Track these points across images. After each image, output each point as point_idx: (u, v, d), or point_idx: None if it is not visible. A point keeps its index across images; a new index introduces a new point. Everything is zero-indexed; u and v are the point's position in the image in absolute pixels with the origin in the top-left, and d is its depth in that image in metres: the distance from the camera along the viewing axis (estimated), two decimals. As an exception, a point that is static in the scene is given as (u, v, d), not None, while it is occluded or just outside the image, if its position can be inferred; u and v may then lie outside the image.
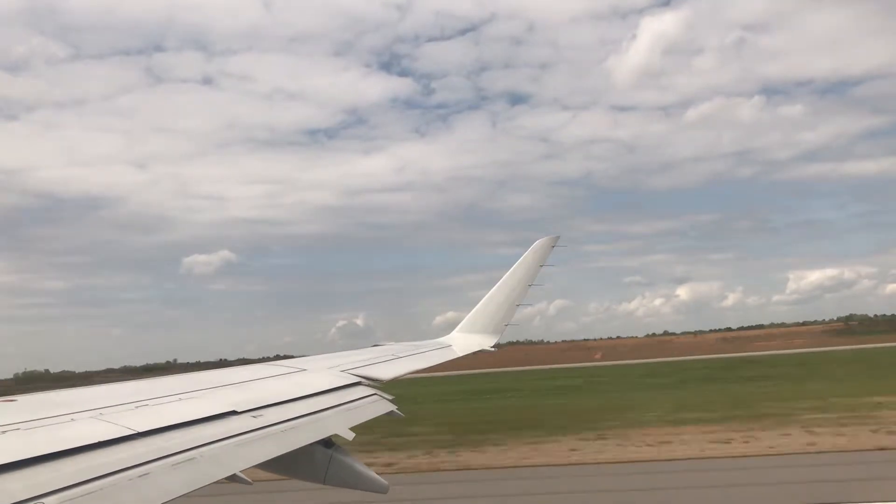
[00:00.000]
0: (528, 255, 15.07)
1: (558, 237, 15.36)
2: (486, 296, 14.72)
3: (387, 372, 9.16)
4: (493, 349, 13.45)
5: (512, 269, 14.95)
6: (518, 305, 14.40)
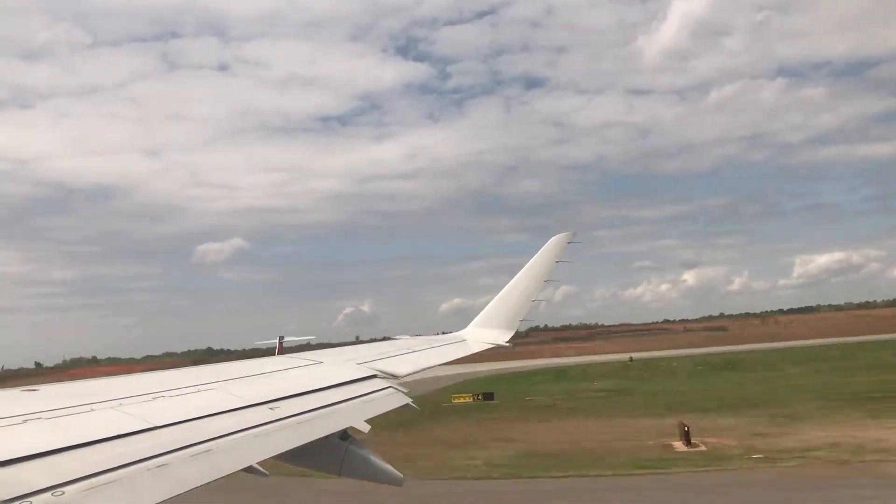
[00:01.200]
0: (543, 251, 15.05)
1: (574, 234, 15.32)
2: (502, 291, 14.71)
3: (402, 366, 9.17)
4: (508, 344, 13.43)
5: (528, 264, 14.93)
6: (534, 301, 14.37)
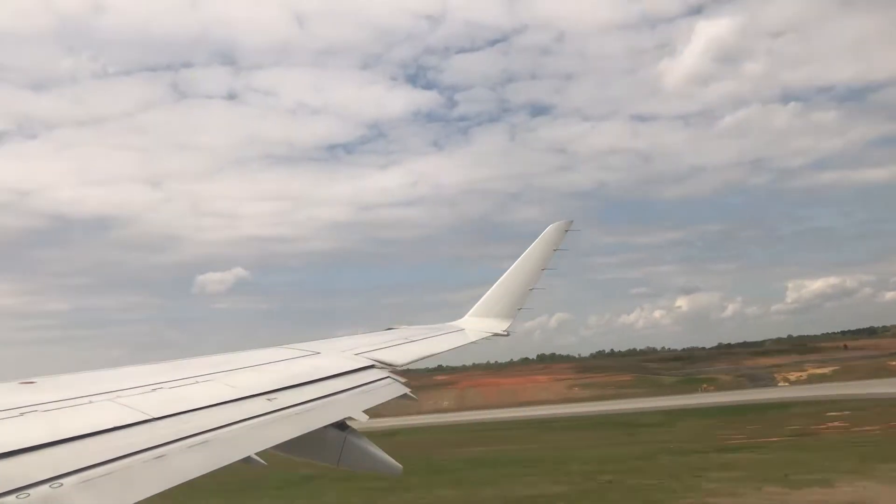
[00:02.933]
0: (541, 240, 15.04)
1: (571, 222, 15.32)
2: (499, 280, 14.72)
3: (400, 356, 9.19)
4: (505, 333, 13.46)
5: (525, 253, 14.93)
6: (531, 290, 14.38)
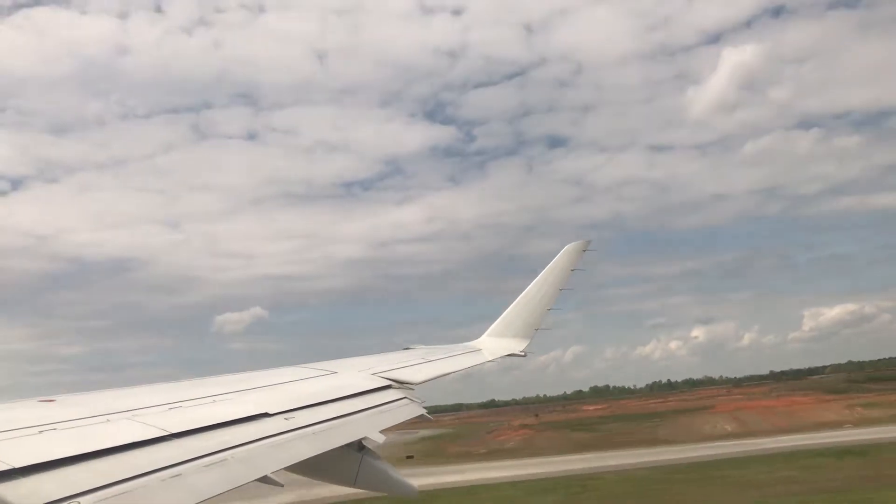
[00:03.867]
0: (558, 260, 14.96)
1: (589, 241, 15.23)
2: (517, 300, 14.63)
3: (417, 375, 9.14)
4: (522, 354, 13.35)
5: (542, 273, 14.85)
6: (549, 310, 14.28)
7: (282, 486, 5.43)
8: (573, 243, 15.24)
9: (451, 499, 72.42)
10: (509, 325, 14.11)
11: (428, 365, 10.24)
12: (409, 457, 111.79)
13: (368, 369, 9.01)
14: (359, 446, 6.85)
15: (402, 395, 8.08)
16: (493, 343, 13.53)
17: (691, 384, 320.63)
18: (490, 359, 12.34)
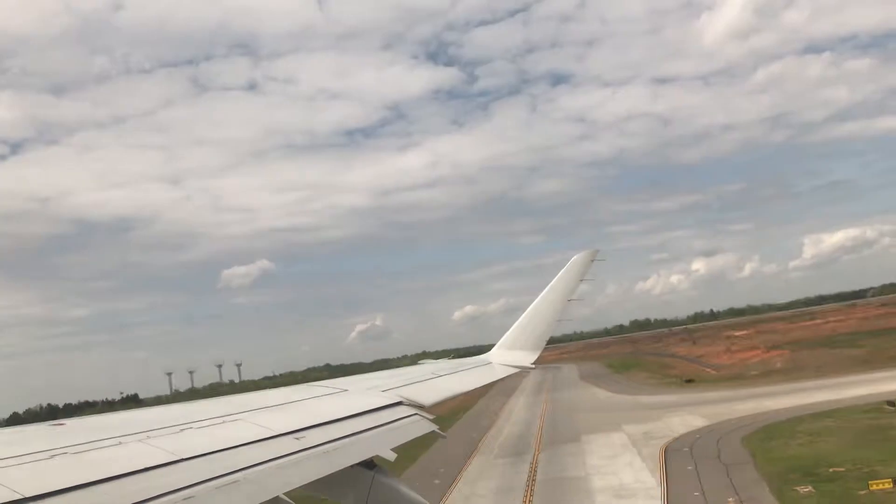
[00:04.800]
0: (567, 270, 14.92)
1: (597, 251, 15.21)
2: (526, 312, 14.60)
3: (427, 393, 9.10)
4: (533, 366, 13.30)
5: (551, 284, 14.82)
6: (559, 321, 14.24)
7: None
8: (581, 253, 15.21)
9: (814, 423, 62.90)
10: (519, 338, 14.08)
11: (438, 381, 10.21)
12: (688, 381, 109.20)
13: (378, 387, 8.99)
14: (370, 464, 6.82)
15: (413, 412, 8.05)
16: (504, 356, 13.49)
17: (734, 313, 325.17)
18: (501, 375, 12.30)
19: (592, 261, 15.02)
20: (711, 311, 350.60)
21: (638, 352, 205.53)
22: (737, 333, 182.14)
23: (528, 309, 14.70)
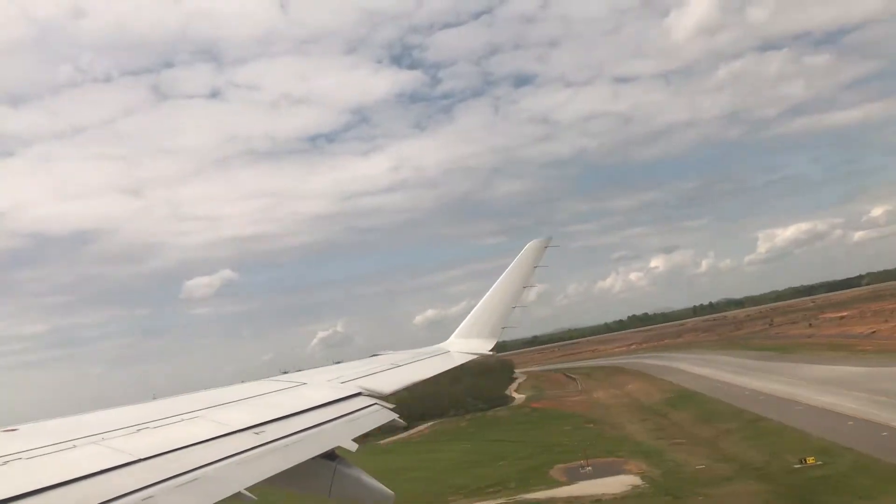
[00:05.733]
0: (521, 258, 15.08)
1: (550, 238, 15.41)
2: (482, 300, 14.74)
3: (386, 383, 9.16)
4: (491, 353, 13.46)
5: (506, 271, 14.97)
6: (514, 308, 14.41)
7: (255, 500, 5.42)
8: (535, 241, 15.39)
9: None
10: (476, 326, 14.21)
11: (397, 371, 10.27)
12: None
13: (337, 378, 9.00)
14: (331, 455, 6.85)
15: (373, 402, 8.10)
16: (462, 345, 13.61)
17: (731, 304, 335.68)
18: (460, 362, 12.42)
19: (546, 248, 15.22)
20: (710, 303, 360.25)
21: (748, 335, 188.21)
22: (844, 313, 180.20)
23: (485, 297, 14.84)
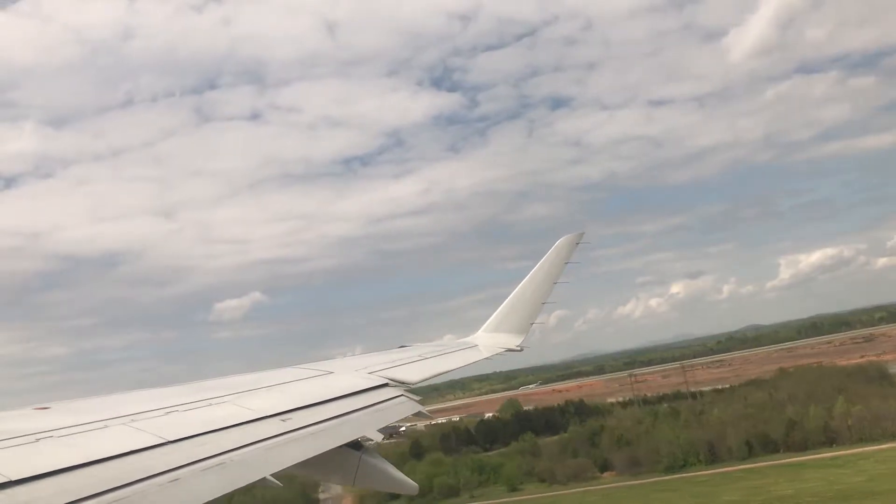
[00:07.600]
0: (552, 253, 14.95)
1: (582, 234, 15.23)
2: (511, 294, 14.64)
3: (414, 374, 9.15)
4: (518, 349, 13.37)
5: (536, 266, 14.84)
6: (544, 304, 14.29)
7: (280, 486, 5.44)
8: (567, 236, 15.23)
9: None
10: (504, 321, 14.12)
11: (424, 362, 10.25)
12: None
13: (365, 368, 9.01)
14: (357, 445, 6.86)
15: (399, 393, 8.09)
16: (490, 339, 13.54)
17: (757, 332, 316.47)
18: (487, 355, 12.35)
19: (578, 243, 15.05)
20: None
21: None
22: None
23: (514, 292, 14.73)
